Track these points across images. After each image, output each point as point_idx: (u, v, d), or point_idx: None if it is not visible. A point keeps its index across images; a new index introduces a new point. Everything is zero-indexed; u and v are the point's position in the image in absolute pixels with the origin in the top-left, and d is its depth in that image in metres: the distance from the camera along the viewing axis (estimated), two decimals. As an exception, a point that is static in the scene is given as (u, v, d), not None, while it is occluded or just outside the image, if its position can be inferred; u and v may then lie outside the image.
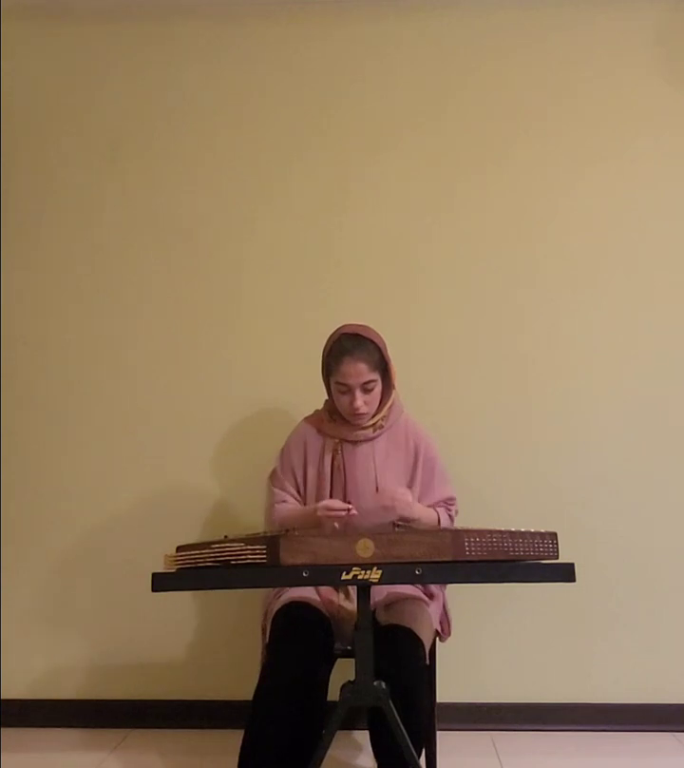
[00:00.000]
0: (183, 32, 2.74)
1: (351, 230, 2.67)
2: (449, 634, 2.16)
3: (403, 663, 1.82)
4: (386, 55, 2.70)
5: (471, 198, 2.66)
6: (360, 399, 2.07)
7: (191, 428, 2.65)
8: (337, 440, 2.17)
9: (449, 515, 2.17)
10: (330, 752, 1.67)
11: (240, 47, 2.73)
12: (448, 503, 2.19)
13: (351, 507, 1.92)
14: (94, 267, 2.71)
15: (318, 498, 2.14)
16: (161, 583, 1.54)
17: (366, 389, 2.08)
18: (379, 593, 2.03)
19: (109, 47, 2.75)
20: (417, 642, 1.89)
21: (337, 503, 1.96)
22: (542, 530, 1.55)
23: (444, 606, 2.17)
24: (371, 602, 1.96)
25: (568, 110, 2.66)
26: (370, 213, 2.68)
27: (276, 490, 2.17)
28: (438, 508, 2.15)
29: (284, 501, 2.15)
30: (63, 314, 2.71)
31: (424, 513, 2.06)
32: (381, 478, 2.13)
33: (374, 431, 2.16)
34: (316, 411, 2.27)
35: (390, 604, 2.02)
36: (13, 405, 2.69)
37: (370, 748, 1.88)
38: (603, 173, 2.65)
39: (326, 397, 2.24)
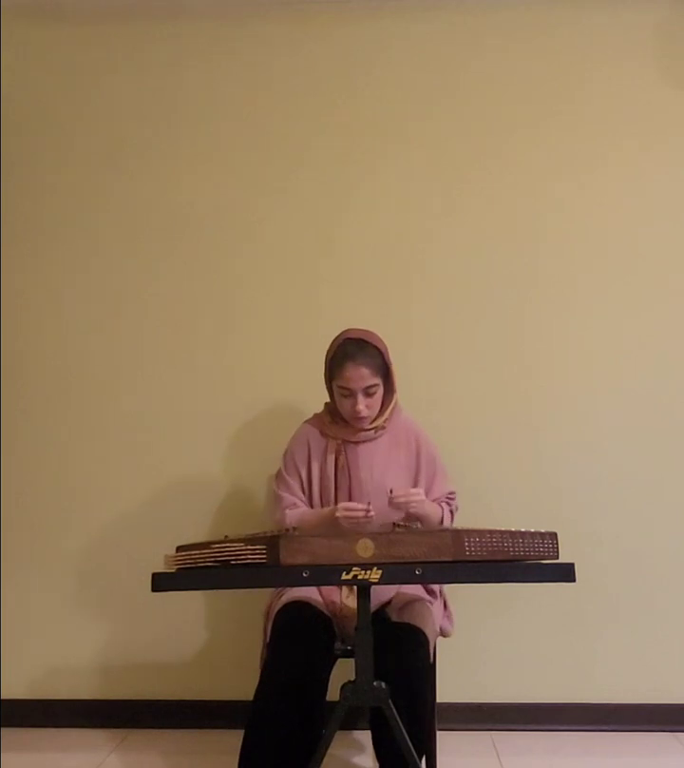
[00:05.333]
0: (184, 32, 2.74)
1: (353, 230, 2.67)
2: (452, 628, 2.18)
3: (410, 661, 1.83)
4: (387, 55, 2.70)
5: (473, 198, 2.66)
6: (362, 403, 2.09)
7: (192, 428, 2.65)
8: (340, 441, 2.18)
9: (451, 511, 2.20)
10: (330, 752, 1.67)
11: (241, 47, 2.73)
12: (449, 497, 2.22)
13: (369, 508, 1.93)
14: (95, 266, 2.71)
15: (323, 498, 2.15)
16: (161, 583, 1.54)
17: (368, 393, 2.09)
18: (389, 592, 2.03)
19: (109, 47, 2.75)
20: (424, 640, 1.90)
21: (356, 504, 1.97)
22: (542, 530, 1.55)
23: (444, 603, 2.18)
24: (381, 600, 1.98)
25: (569, 111, 2.66)
26: (371, 213, 2.67)
27: (285, 495, 2.17)
28: (442, 504, 2.17)
29: (294, 505, 2.15)
30: (63, 313, 2.71)
31: (431, 510, 2.08)
32: (384, 477, 2.14)
33: (376, 432, 2.18)
34: (316, 414, 2.28)
35: (400, 603, 2.02)
36: (14, 405, 2.69)
37: (370, 748, 1.88)
38: (604, 173, 2.65)
39: (326, 398, 2.25)
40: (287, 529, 2.01)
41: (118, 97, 2.74)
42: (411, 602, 2.03)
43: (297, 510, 2.14)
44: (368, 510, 1.92)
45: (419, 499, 1.98)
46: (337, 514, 1.95)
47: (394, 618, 1.98)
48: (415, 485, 2.17)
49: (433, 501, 2.15)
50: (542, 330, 2.63)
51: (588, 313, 2.63)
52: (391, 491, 1.98)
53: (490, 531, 1.52)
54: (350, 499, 2.11)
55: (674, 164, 2.64)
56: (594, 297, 2.63)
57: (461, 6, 2.69)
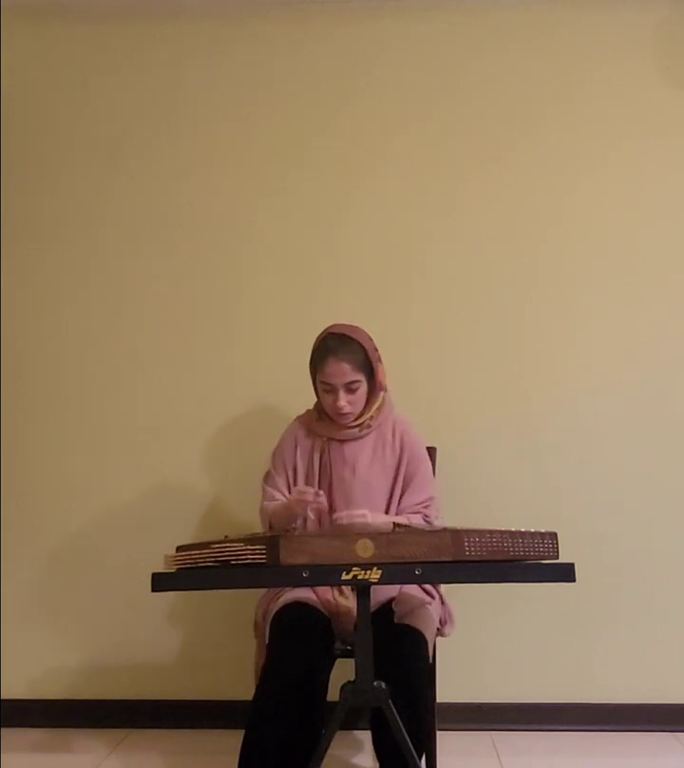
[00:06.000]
0: (184, 32, 2.74)
1: (352, 230, 2.67)
2: (452, 626, 2.16)
3: (410, 662, 1.84)
4: (387, 55, 2.70)
5: (473, 198, 2.66)
6: (343, 399, 2.08)
7: (190, 427, 2.65)
8: (325, 439, 2.18)
9: (427, 520, 2.14)
10: (330, 752, 1.67)
11: (241, 47, 2.73)
12: (425, 504, 2.16)
13: (320, 492, 1.94)
14: (94, 266, 2.71)
15: None
16: (160, 583, 1.54)
17: (349, 389, 2.09)
18: (386, 592, 2.03)
19: (109, 47, 2.75)
20: (423, 641, 1.90)
21: (307, 488, 1.98)
22: (542, 530, 1.55)
23: (442, 601, 2.17)
24: (379, 600, 1.97)
25: (569, 111, 2.66)
26: (370, 213, 2.67)
27: (268, 489, 2.19)
28: (411, 515, 2.11)
29: (273, 498, 2.16)
30: (63, 313, 2.71)
31: (387, 523, 2.02)
32: (369, 475, 2.14)
33: (361, 430, 2.17)
34: (307, 410, 2.29)
35: (400, 604, 2.02)
36: (14, 405, 2.69)
37: (370, 748, 1.88)
38: (604, 173, 2.65)
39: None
40: (287, 530, 2.02)
41: (118, 97, 2.74)
42: (410, 603, 2.02)
43: (272, 503, 2.15)
44: (317, 493, 1.92)
45: (362, 521, 1.94)
46: (290, 497, 2.01)
47: (397, 620, 1.97)
48: (393, 486, 2.16)
49: (404, 511, 2.12)
50: (542, 330, 2.63)
51: (588, 313, 2.63)
52: (333, 514, 2.00)
53: (490, 531, 1.52)
54: (330, 497, 2.10)
55: (674, 164, 2.64)
56: (594, 296, 2.63)
57: (461, 6, 2.69)
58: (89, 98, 2.75)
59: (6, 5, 2.70)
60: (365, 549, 1.50)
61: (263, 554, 1.50)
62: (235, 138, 2.71)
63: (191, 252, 2.70)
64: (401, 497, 2.16)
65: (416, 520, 2.11)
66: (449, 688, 2.46)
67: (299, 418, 2.28)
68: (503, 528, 1.53)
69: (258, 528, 2.49)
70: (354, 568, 1.49)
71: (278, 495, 2.17)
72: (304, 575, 1.50)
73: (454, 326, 2.64)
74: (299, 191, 2.69)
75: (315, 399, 2.27)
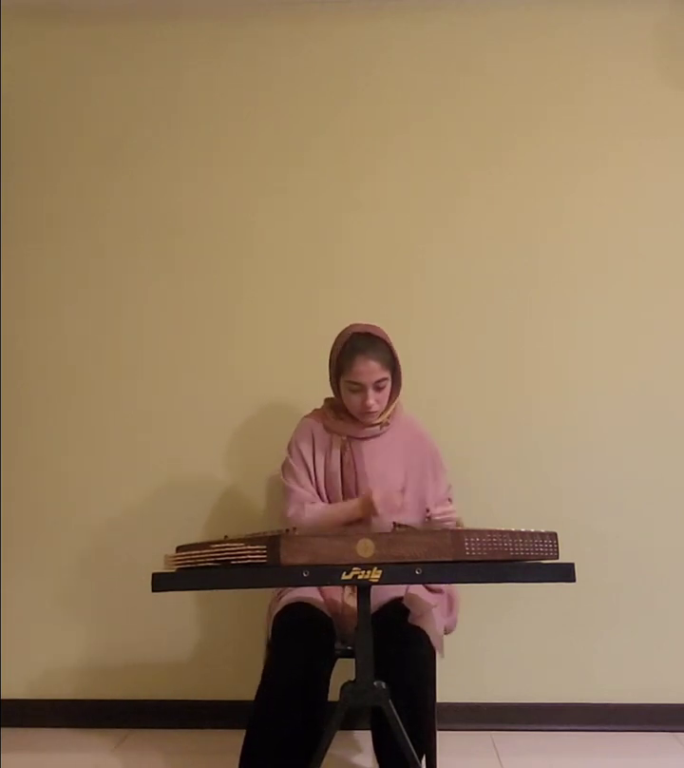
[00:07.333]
0: (184, 32, 2.74)
1: (353, 230, 2.67)
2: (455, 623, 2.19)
3: (411, 662, 1.83)
4: (387, 55, 2.70)
5: (473, 198, 2.66)
6: (372, 398, 2.09)
7: (191, 428, 2.65)
8: (345, 437, 2.18)
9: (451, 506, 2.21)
10: (330, 752, 1.67)
11: (241, 47, 2.73)
12: (448, 492, 2.25)
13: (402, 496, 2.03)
14: (95, 266, 2.72)
15: (330, 494, 2.16)
16: (160, 583, 1.54)
17: (378, 387, 2.10)
18: (387, 593, 2.02)
19: (109, 47, 2.75)
20: (425, 641, 1.90)
21: (394, 493, 2.04)
22: (542, 530, 1.55)
23: (448, 599, 2.17)
24: (380, 600, 1.97)
25: (569, 111, 2.66)
26: (371, 213, 2.68)
27: (297, 489, 2.15)
28: (446, 503, 2.19)
29: (310, 500, 2.13)
30: (63, 313, 2.71)
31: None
32: (389, 472, 2.14)
33: (381, 428, 2.18)
34: (315, 409, 2.28)
35: (411, 604, 2.02)
36: (14, 405, 2.69)
37: (371, 748, 1.88)
38: (604, 173, 2.65)
39: (326, 395, 2.25)
40: (287, 529, 2.02)
41: (118, 97, 2.74)
42: (420, 606, 2.02)
43: (316, 506, 2.12)
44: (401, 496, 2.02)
45: (455, 516, 2.04)
46: (374, 498, 2.01)
47: (411, 620, 1.96)
48: (422, 481, 2.18)
49: (437, 501, 2.17)
50: (542, 330, 2.63)
51: (588, 312, 2.63)
52: (428, 511, 2.03)
53: (490, 531, 1.52)
54: (356, 495, 2.11)
55: (675, 164, 2.64)
56: (594, 296, 2.63)
57: (461, 6, 2.69)
58: (89, 98, 2.75)
59: (6, 5, 2.70)
60: (365, 549, 1.50)
61: (263, 554, 1.50)
62: (235, 138, 2.72)
63: (191, 252, 2.70)
64: (431, 492, 2.19)
65: (450, 510, 2.16)
66: (449, 688, 2.46)
67: (310, 416, 2.26)
68: (503, 528, 1.53)
69: (258, 526, 2.50)
70: (355, 568, 1.49)
71: (312, 497, 2.14)
72: (304, 575, 1.50)
73: (454, 326, 2.64)
74: (299, 191, 2.69)
75: (317, 398, 2.27)
